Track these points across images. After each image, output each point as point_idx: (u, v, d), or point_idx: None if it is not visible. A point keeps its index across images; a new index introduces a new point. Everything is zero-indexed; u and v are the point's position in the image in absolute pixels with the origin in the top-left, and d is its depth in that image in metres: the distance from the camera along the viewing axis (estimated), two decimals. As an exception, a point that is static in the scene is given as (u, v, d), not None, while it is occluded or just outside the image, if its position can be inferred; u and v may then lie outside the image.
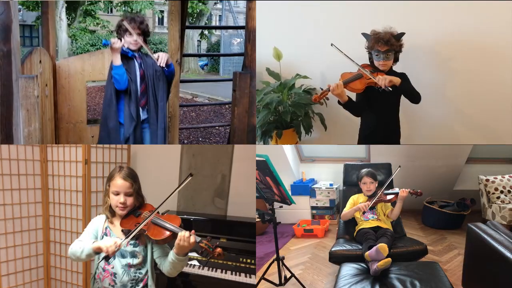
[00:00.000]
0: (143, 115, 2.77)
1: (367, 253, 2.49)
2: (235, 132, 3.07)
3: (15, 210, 2.88)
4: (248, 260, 2.76)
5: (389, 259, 2.38)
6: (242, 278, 2.65)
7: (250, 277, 2.67)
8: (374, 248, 2.46)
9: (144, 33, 2.71)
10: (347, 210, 3.04)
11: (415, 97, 2.69)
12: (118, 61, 2.60)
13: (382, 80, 2.56)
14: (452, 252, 3.60)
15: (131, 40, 2.65)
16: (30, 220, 3.00)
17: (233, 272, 2.70)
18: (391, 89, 2.56)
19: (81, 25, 15.21)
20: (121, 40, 2.63)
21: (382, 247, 2.44)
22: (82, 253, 1.79)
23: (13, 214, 2.88)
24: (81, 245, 1.81)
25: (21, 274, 2.95)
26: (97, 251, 1.78)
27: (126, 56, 2.68)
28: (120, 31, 2.67)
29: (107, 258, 1.76)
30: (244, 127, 3.05)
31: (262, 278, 2.71)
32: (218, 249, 1.78)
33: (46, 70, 3.05)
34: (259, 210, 2.75)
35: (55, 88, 3.23)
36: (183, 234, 1.75)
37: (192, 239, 1.75)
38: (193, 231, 1.78)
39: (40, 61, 2.93)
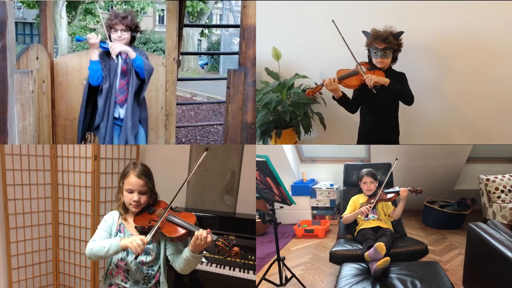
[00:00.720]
0: (121, 112, 2.78)
1: (366, 253, 2.48)
2: (229, 130, 3.06)
3: (25, 205, 2.91)
4: (257, 258, 2.75)
5: (388, 258, 2.36)
6: (250, 276, 2.63)
7: (259, 275, 2.66)
8: (372, 247, 2.45)
9: (130, 29, 2.74)
10: (348, 213, 3.02)
11: (405, 98, 2.66)
12: (94, 56, 2.67)
13: (368, 81, 2.55)
14: (452, 252, 3.58)
15: (116, 36, 2.71)
16: (40, 215, 3.02)
17: (241, 270, 2.67)
18: (375, 91, 2.55)
19: (81, 23, 15.18)
20: (109, 37, 2.70)
21: (380, 245, 2.43)
22: (109, 251, 1.74)
23: (23, 209, 2.91)
24: (104, 244, 1.76)
25: (30, 268, 2.99)
26: (125, 249, 1.77)
27: (108, 52, 2.71)
28: (108, 29, 2.74)
29: (137, 257, 1.75)
30: (238, 125, 3.03)
31: (263, 278, 2.69)
32: (236, 248, 1.75)
33: (44, 66, 3.04)
34: (260, 211, 2.72)
35: (52, 85, 3.22)
36: (200, 233, 1.72)
37: (209, 238, 1.73)
38: (208, 229, 1.75)
39: (37, 58, 2.92)
